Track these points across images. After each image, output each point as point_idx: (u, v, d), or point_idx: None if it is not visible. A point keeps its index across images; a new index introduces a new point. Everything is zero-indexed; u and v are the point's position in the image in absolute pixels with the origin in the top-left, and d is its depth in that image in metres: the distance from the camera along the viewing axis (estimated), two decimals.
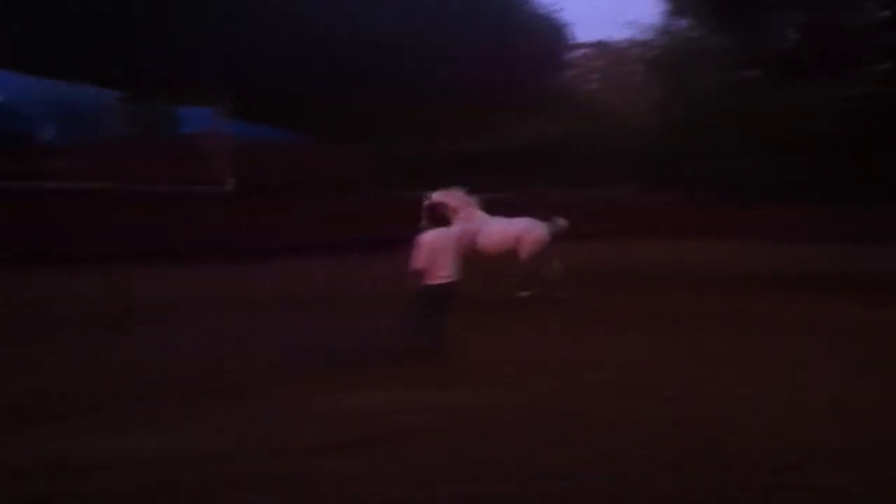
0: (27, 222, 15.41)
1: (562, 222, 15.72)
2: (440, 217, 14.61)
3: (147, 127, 26.45)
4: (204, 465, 6.31)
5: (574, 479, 6.10)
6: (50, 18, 25.33)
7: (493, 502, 5.77)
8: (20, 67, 30.48)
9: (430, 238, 10.16)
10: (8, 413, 7.45)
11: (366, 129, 28.77)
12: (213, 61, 24.81)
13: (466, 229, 14.63)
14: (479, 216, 15.54)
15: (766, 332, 12.32)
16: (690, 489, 6.04)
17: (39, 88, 31.56)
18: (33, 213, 15.88)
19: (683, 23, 28.38)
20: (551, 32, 40.54)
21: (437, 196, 14.93)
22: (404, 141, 30.97)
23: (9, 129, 28.30)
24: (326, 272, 13.74)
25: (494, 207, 15.65)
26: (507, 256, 15.37)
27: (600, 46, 53.37)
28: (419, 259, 9.98)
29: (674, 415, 7.87)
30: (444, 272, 10.04)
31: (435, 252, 10.03)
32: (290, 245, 18.18)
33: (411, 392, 8.53)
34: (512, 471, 6.27)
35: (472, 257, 14.74)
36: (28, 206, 16.16)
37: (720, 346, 11.18)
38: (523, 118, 36.10)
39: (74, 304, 13.14)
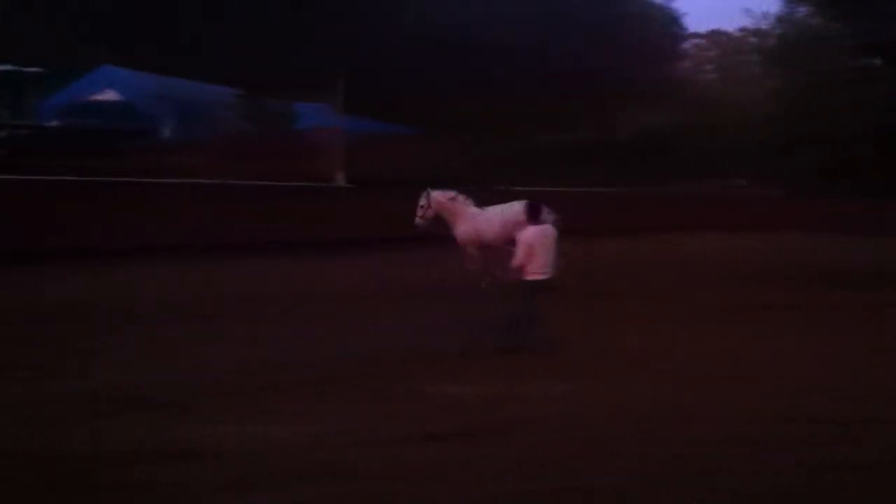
0: (147, 216, 15.98)
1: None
2: (436, 215, 14.62)
3: (263, 123, 27.11)
4: (325, 451, 6.48)
5: (662, 481, 6.00)
6: (169, 18, 26.21)
7: (587, 497, 5.77)
8: (141, 66, 31.64)
9: (531, 234, 10.18)
10: (137, 401, 7.74)
11: (474, 123, 28.86)
12: (327, 58, 25.26)
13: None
14: (474, 211, 15.13)
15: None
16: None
17: (159, 87, 32.71)
18: (153, 207, 16.45)
19: (802, 10, 27.63)
20: (664, 22, 39.93)
21: (435, 195, 14.84)
22: (513, 134, 30.97)
23: (130, 126, 29.44)
24: (435, 264, 13.86)
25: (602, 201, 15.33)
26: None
27: (714, 36, 52.31)
28: (519, 255, 10.03)
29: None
30: (542, 268, 10.06)
31: (534, 248, 10.05)
32: (400, 238, 18.39)
33: (514, 384, 8.57)
34: (608, 468, 6.24)
35: (475, 249, 14.70)
36: (147, 200, 16.76)
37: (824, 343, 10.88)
38: (634, 110, 35.69)
39: (193, 294, 13.58)
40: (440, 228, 14.69)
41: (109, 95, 33.14)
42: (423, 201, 14.84)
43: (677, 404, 7.89)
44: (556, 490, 5.76)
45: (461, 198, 15.08)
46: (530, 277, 10.03)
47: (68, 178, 16.69)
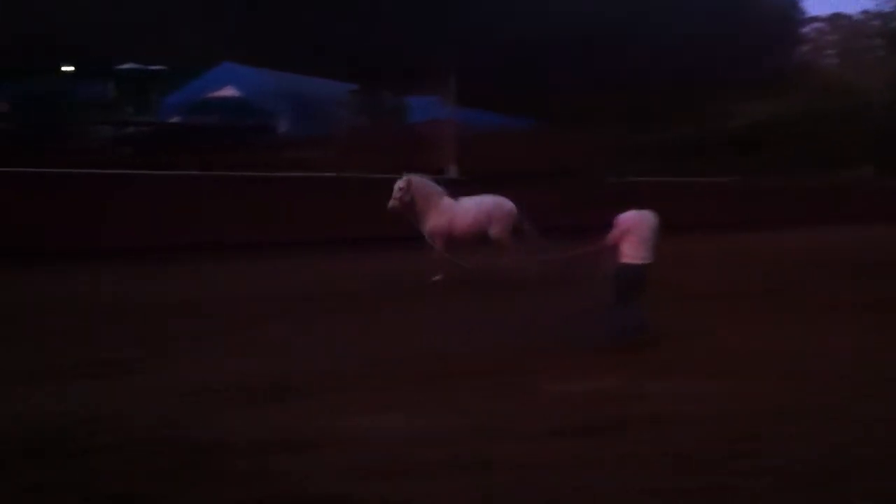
0: (270, 210, 16.30)
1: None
2: (412, 199, 14.17)
3: (378, 117, 27.38)
4: (441, 446, 6.48)
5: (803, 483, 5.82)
6: (287, 15, 26.68)
7: (712, 496, 5.64)
8: (258, 63, 32.33)
9: (629, 217, 9.96)
10: (262, 392, 7.88)
11: (591, 115, 28.56)
12: (440, 51, 25.35)
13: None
14: (448, 202, 14.76)
15: None
16: None
17: (277, 83, 33.37)
18: (271, 201, 16.75)
19: None
20: (782, 7, 38.78)
21: (415, 180, 14.47)
22: (631, 126, 30.56)
23: (248, 122, 30.12)
24: (546, 257, 13.69)
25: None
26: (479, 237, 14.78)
27: (834, 20, 50.63)
28: (616, 238, 9.85)
29: None
30: (642, 253, 9.88)
31: (631, 231, 9.86)
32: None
33: (632, 380, 8.42)
34: (733, 466, 6.09)
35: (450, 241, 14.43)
36: (266, 194, 17.09)
37: None
38: (755, 99, 34.78)
39: (317, 286, 13.80)
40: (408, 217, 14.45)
41: (229, 92, 33.99)
42: (401, 184, 14.40)
43: (808, 403, 7.62)
44: (704, 488, 5.64)
45: (432, 185, 14.77)
46: (626, 261, 9.84)
47: (192, 172, 17.11)
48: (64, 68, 30.58)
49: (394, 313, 11.92)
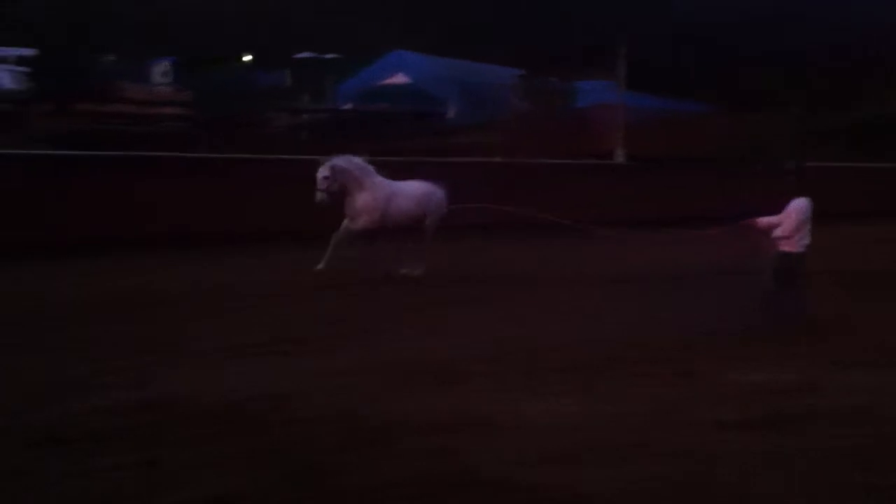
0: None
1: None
2: (340, 186, 12.62)
3: (545, 102, 27.32)
4: (619, 433, 6.47)
5: None
6: (456, 2, 26.96)
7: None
8: (428, 50, 32.84)
9: (801, 204, 9.63)
10: (437, 373, 7.97)
11: (765, 97, 27.61)
12: (609, 34, 25.06)
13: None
14: (381, 182, 13.28)
15: None
16: None
17: (446, 69, 33.81)
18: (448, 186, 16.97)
19: None
20: None
21: (337, 161, 12.82)
22: (797, 109, 29.39)
23: (418, 108, 30.63)
24: (714, 244, 13.27)
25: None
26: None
27: None
28: (789, 224, 9.54)
29: None
30: (804, 241, 9.58)
31: (802, 220, 9.55)
32: (682, 217, 17.91)
33: (804, 369, 8.14)
34: None
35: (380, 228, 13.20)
36: (437, 179, 17.32)
37: None
38: None
39: (493, 269, 13.89)
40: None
41: (399, 79, 34.70)
42: (325, 172, 12.70)
43: None
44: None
45: (363, 165, 13.16)
46: (786, 249, 9.56)
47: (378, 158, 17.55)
48: (244, 58, 31.93)
49: (569, 297, 11.86)
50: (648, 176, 22.27)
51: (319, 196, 12.53)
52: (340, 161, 12.84)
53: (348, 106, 32.66)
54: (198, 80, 28.11)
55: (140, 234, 14.14)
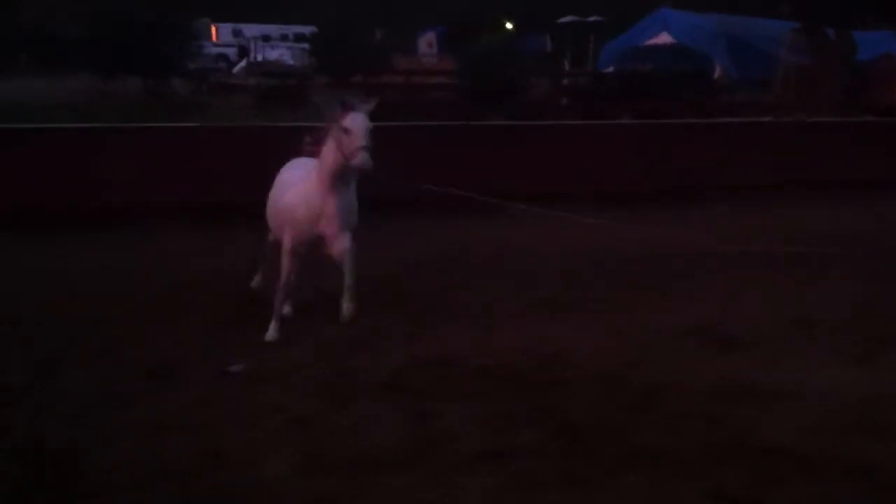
0: (703, 156, 16.00)
1: None
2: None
3: (823, 56, 25.71)
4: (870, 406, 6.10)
5: None
6: None
7: None
8: (695, 7, 31.81)
9: None
10: (715, 337, 7.76)
11: None
12: None
13: None
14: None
15: None
16: None
17: (712, 25, 32.60)
18: (706, 147, 16.39)
19: None
20: None
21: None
22: None
23: (685, 68, 29.73)
24: None
25: None
26: None
27: None
28: None
29: None
30: None
31: None
32: None
33: None
34: None
35: None
36: (702, 140, 16.78)
37: None
38: None
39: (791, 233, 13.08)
40: None
41: (664, 38, 33.85)
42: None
43: None
44: None
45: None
46: None
47: (623, 122, 17.22)
48: (507, 25, 32.35)
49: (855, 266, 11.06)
50: None
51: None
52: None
53: (610, 69, 32.28)
54: (463, 50, 28.79)
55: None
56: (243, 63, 38.57)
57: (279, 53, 39.95)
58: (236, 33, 44.16)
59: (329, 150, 7.18)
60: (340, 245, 7.27)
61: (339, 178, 7.24)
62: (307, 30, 39.14)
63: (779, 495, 4.89)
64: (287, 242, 7.57)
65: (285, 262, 7.60)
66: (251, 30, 43.21)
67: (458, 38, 29.99)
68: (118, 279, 9.35)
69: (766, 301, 9.04)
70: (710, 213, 13.75)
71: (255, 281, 8.76)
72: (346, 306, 7.02)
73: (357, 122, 7.02)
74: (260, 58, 38.84)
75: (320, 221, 7.34)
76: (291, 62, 37.62)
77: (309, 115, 14.92)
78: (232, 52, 42.14)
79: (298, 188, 7.54)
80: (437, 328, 7.62)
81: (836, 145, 16.42)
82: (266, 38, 41.91)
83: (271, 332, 7.57)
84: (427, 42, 38.25)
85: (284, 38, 43.05)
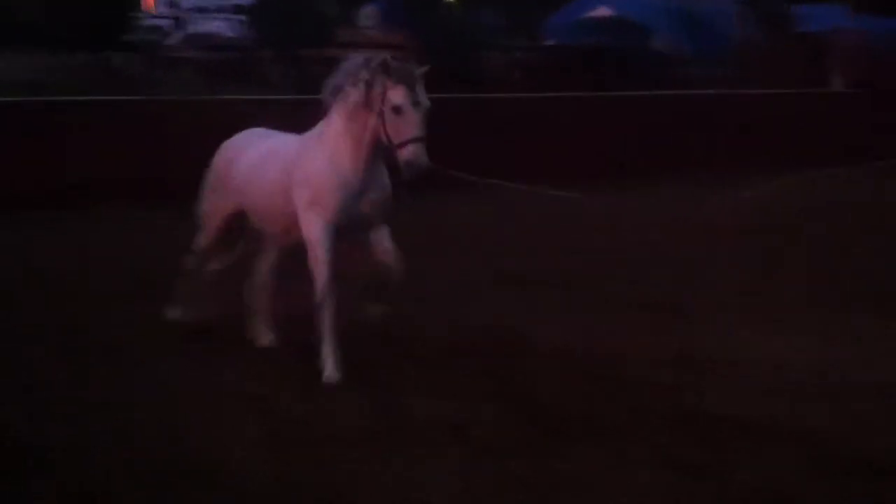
0: (651, 132, 16.09)
1: None
2: None
3: (766, 29, 26.01)
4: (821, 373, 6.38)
5: None
6: None
7: None
8: None
9: None
10: (662, 309, 7.98)
11: None
12: None
13: None
14: None
15: None
16: None
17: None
18: (649, 123, 16.48)
19: None
20: None
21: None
22: None
23: (624, 42, 29.80)
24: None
25: None
26: None
27: None
28: None
29: None
30: None
31: None
32: None
33: None
34: None
35: None
36: (650, 115, 16.88)
37: None
38: None
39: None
40: None
41: (602, 12, 33.87)
42: None
43: None
44: None
45: None
46: None
47: (573, 94, 17.26)
48: None
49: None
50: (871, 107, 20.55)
51: None
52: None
53: (550, 42, 32.27)
54: (409, 22, 28.48)
55: None
56: (180, 35, 37.68)
57: (217, 25, 39.07)
58: (172, 4, 43.12)
59: (349, 130, 5.78)
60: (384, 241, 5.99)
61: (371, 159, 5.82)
62: (246, 1, 38.35)
63: (732, 462, 5.01)
64: (316, 229, 5.90)
65: (321, 257, 5.91)
66: (188, 1, 42.17)
67: (405, 10, 29.66)
68: (68, 259, 9.30)
69: (721, 273, 9.28)
70: (666, 188, 13.94)
71: (180, 310, 6.82)
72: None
73: (414, 99, 5.52)
74: (197, 30, 37.96)
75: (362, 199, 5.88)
76: (230, 34, 36.84)
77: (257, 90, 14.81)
78: (167, 23, 41.14)
79: (319, 152, 5.94)
80: (401, 306, 7.67)
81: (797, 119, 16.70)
82: (202, 10, 40.99)
83: (330, 370, 5.97)
84: (366, 14, 37.76)
85: (221, 9, 42.11)
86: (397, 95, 5.44)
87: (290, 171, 6.12)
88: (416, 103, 5.48)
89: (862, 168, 14.61)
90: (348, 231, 5.92)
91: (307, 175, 5.96)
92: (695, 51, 26.95)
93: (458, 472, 4.88)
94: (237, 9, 40.73)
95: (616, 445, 5.22)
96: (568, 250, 10.23)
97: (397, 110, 5.45)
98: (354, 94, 5.72)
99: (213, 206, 6.71)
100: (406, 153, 5.46)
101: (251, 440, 5.25)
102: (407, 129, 5.46)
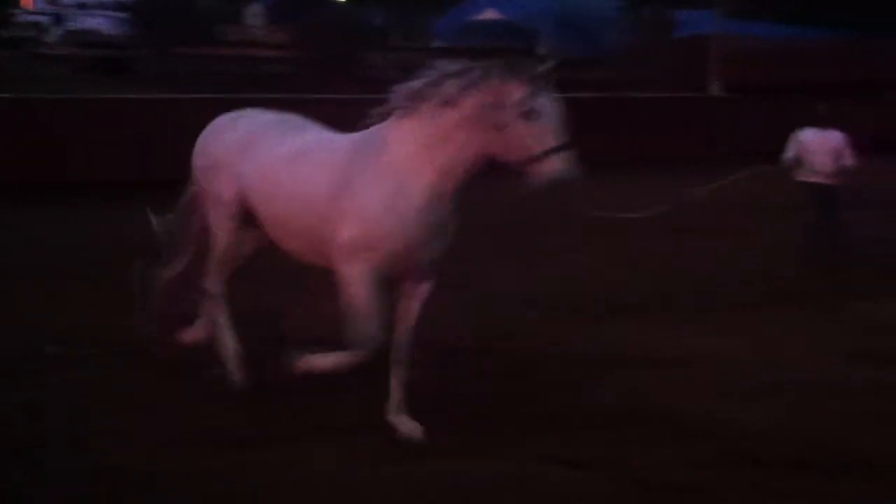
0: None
1: None
2: None
3: (646, 33, 26.66)
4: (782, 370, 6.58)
5: None
6: None
7: None
8: None
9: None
10: (596, 307, 8.14)
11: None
12: None
13: None
14: None
15: None
16: None
17: (539, 2, 33.18)
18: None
19: None
20: None
21: None
22: None
23: (511, 44, 30.13)
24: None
25: None
26: None
27: None
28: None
29: None
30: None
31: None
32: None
33: None
34: None
35: None
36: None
37: None
38: None
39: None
40: None
41: (490, 14, 34.22)
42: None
43: None
44: None
45: None
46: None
47: None
48: None
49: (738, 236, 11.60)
50: (747, 108, 21.35)
51: None
52: None
53: (437, 44, 32.43)
54: (294, 21, 28.24)
55: None
56: (60, 32, 36.48)
57: (97, 22, 37.96)
58: (52, 0, 41.68)
59: (431, 154, 4.62)
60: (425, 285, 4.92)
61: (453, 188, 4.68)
62: None
63: (649, 458, 5.16)
64: (358, 273, 4.65)
65: (364, 310, 4.68)
66: None
67: (289, 9, 29.43)
68: None
69: (655, 269, 9.57)
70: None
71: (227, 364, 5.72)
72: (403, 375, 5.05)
73: (552, 104, 4.54)
74: (77, 26, 36.80)
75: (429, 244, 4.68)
76: (111, 31, 35.86)
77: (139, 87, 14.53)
78: (46, 20, 39.75)
79: (380, 177, 4.66)
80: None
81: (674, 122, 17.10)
82: (83, 6, 39.74)
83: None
84: (252, 13, 37.28)
85: (103, 6, 40.93)
86: (531, 98, 4.52)
87: (334, 193, 4.88)
88: (553, 105, 4.60)
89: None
90: (393, 276, 4.86)
91: (358, 207, 4.73)
92: (578, 54, 27.40)
93: (382, 468, 4.92)
94: (119, 6, 39.66)
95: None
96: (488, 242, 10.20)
97: (532, 116, 4.52)
98: (461, 103, 4.69)
99: (209, 198, 5.63)
100: (550, 166, 4.57)
101: (158, 438, 5.23)
102: (547, 138, 4.56)
